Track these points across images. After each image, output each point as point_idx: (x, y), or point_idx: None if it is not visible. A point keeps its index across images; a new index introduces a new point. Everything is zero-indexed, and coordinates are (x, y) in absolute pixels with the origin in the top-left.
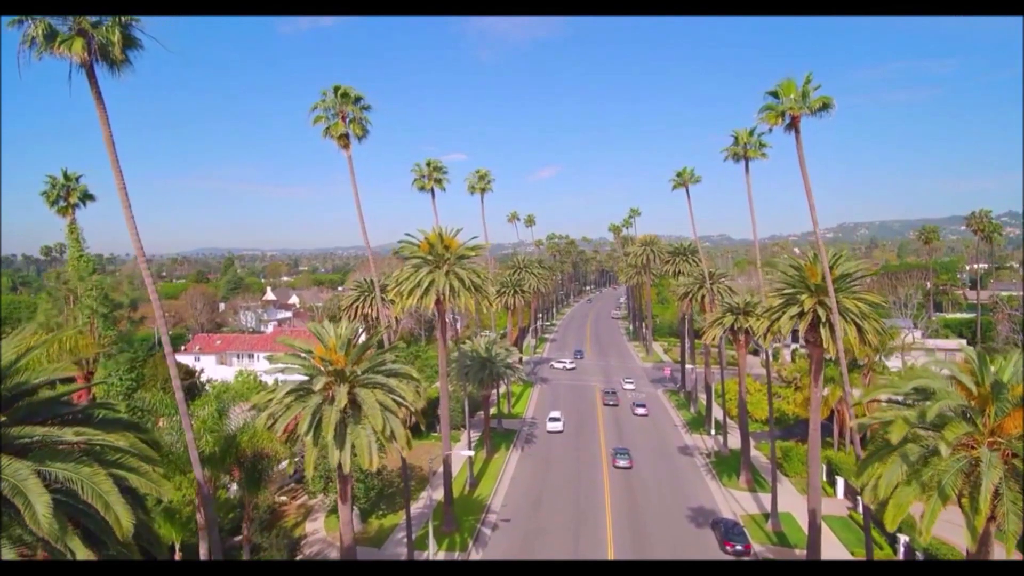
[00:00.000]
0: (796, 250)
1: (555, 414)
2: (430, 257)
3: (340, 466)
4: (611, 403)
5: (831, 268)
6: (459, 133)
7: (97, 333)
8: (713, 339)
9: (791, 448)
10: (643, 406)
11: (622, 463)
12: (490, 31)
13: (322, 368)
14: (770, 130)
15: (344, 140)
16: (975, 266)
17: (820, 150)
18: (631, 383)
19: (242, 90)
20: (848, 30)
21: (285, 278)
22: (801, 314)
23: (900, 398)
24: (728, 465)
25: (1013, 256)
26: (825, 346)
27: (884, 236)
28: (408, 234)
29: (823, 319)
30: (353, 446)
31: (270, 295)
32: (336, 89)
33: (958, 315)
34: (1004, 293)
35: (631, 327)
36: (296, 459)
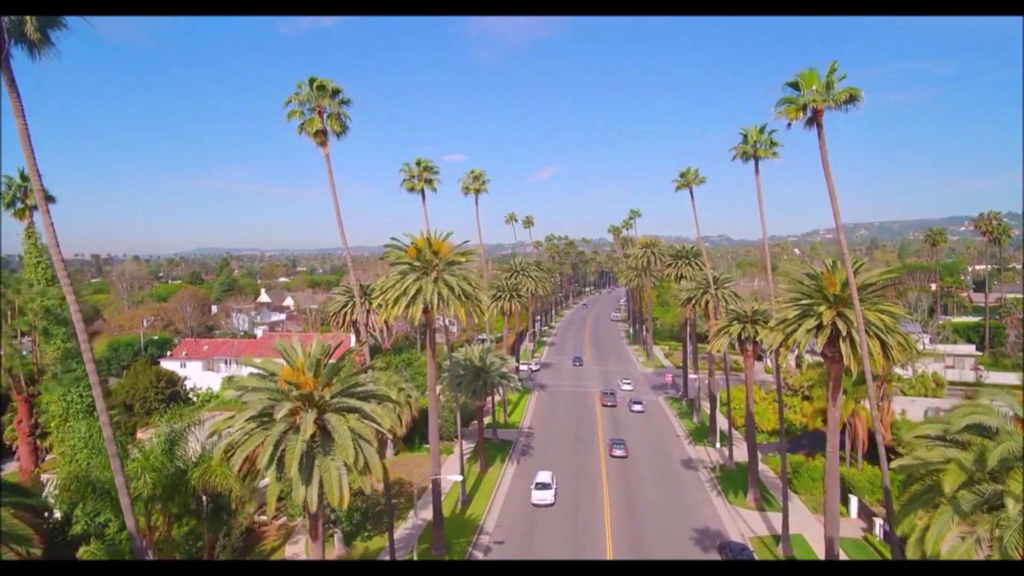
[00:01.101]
0: (796, 251)
1: (543, 477)
2: (417, 263)
3: (307, 503)
4: (609, 404)
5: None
6: (459, 133)
7: (39, 351)
8: (719, 349)
9: (800, 463)
10: (639, 403)
11: (618, 452)
12: (490, 31)
13: (288, 392)
14: (788, 126)
15: (321, 137)
16: (977, 268)
17: (818, 150)
18: (629, 384)
19: (243, 90)
20: (848, 30)
21: (283, 279)
22: (819, 327)
23: (934, 431)
24: (734, 480)
25: (1014, 257)
26: (846, 362)
27: (883, 237)
28: (394, 238)
29: (843, 333)
30: (321, 480)
31: (264, 297)
32: (312, 82)
33: (964, 319)
34: (1011, 295)
35: (631, 330)
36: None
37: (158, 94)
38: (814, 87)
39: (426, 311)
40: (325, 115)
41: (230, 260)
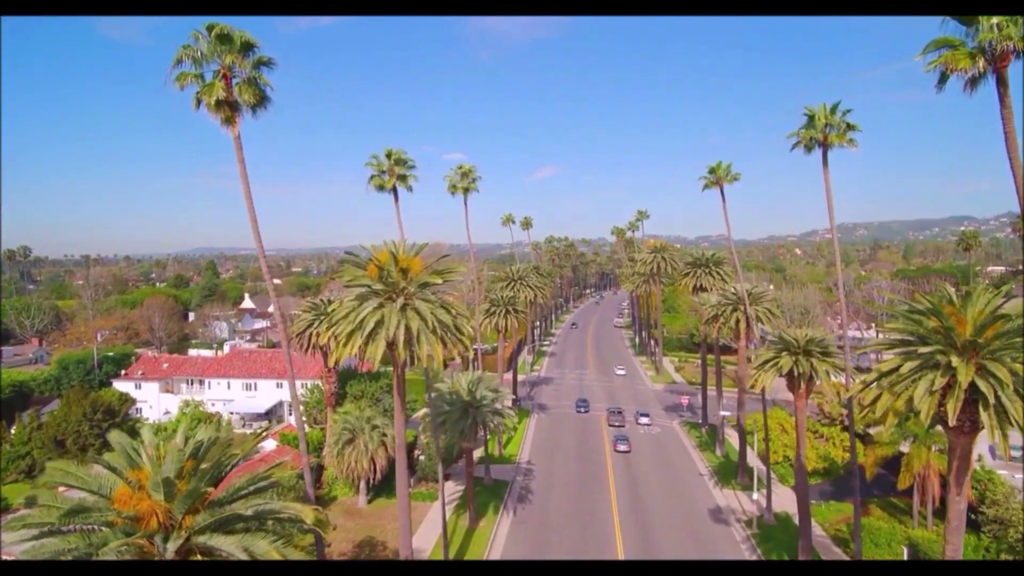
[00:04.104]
0: (798, 251)
1: None
2: (379, 286)
3: None
4: (617, 423)
5: (992, 321)
6: (458, 132)
7: None
8: (763, 387)
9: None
10: (646, 415)
11: (622, 447)
12: (489, 31)
13: (123, 529)
14: (940, 85)
15: (227, 111)
16: (989, 269)
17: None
18: (623, 370)
19: None
20: (847, 31)
21: (275, 281)
22: (948, 387)
23: None
24: (776, 540)
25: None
26: (990, 438)
27: (883, 237)
28: (349, 253)
29: (989, 398)
30: None
31: (248, 302)
32: (211, 29)
33: None
34: None
35: (636, 339)
36: None
37: (160, 93)
38: (996, 20)
39: (391, 347)
40: (234, 81)
41: (225, 260)
